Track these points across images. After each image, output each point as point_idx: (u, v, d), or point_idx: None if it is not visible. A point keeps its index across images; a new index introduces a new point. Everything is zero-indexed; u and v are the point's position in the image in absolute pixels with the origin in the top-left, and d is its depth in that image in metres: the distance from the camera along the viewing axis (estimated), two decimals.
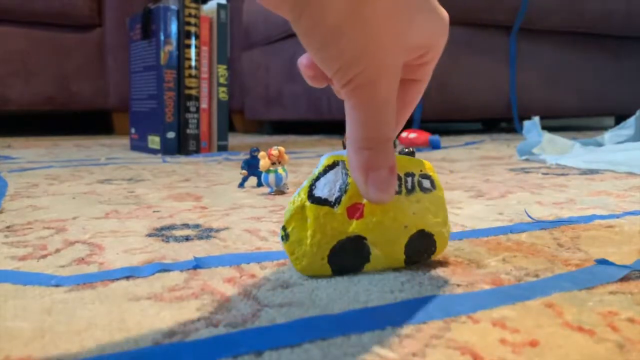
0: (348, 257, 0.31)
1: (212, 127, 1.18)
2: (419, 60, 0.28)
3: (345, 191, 0.30)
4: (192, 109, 1.15)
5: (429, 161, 0.32)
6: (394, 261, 0.32)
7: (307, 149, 1.30)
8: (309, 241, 0.30)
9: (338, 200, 0.30)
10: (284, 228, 0.30)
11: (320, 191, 0.30)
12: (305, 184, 0.31)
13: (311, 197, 0.30)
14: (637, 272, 0.31)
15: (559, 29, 1.83)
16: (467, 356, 0.21)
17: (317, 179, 0.30)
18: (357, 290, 0.29)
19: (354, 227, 0.31)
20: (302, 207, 0.30)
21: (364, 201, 0.31)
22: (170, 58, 1.12)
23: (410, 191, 0.32)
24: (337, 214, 0.30)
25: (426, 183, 0.32)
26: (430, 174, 0.33)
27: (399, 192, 0.31)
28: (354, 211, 0.31)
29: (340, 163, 0.30)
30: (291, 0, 0.23)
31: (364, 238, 0.31)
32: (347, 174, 0.30)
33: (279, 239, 0.31)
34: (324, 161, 0.31)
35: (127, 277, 0.31)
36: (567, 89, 1.91)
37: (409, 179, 0.32)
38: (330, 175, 0.30)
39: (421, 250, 0.32)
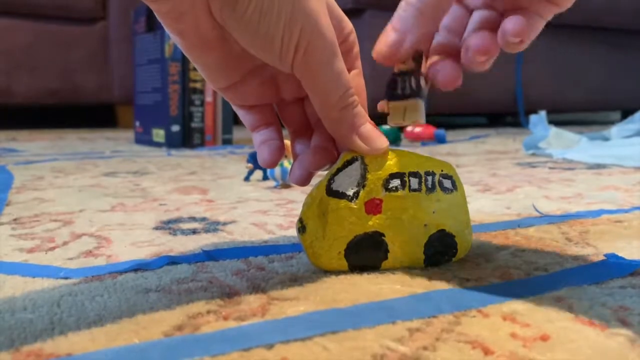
0: (365, 253, 0.31)
1: (217, 120, 1.18)
2: (343, 46, 0.30)
3: (364, 186, 0.30)
4: (197, 102, 1.15)
5: (434, 155, 0.31)
6: (413, 260, 0.31)
7: None
8: (325, 234, 0.30)
9: (356, 195, 0.30)
10: (301, 220, 0.30)
11: (339, 185, 0.30)
12: (324, 177, 0.30)
13: (329, 190, 0.30)
14: None
15: (565, 23, 1.82)
16: (477, 350, 0.21)
17: (336, 173, 0.30)
18: (366, 284, 0.29)
19: (371, 222, 0.30)
20: (320, 200, 0.30)
21: (383, 197, 0.30)
22: (175, 51, 1.11)
23: (430, 190, 0.31)
24: (355, 208, 0.30)
25: (447, 183, 0.32)
26: (452, 174, 0.32)
27: (418, 190, 0.31)
28: (372, 207, 0.30)
29: (359, 159, 0.30)
30: None
31: (382, 234, 0.31)
32: (365, 170, 0.30)
33: (295, 230, 0.31)
34: (343, 156, 0.30)
35: (136, 270, 0.31)
36: (573, 83, 1.90)
37: (430, 178, 0.31)
38: (349, 170, 0.30)
39: (441, 251, 0.32)
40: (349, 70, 0.31)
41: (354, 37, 0.31)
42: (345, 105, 0.28)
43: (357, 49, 0.32)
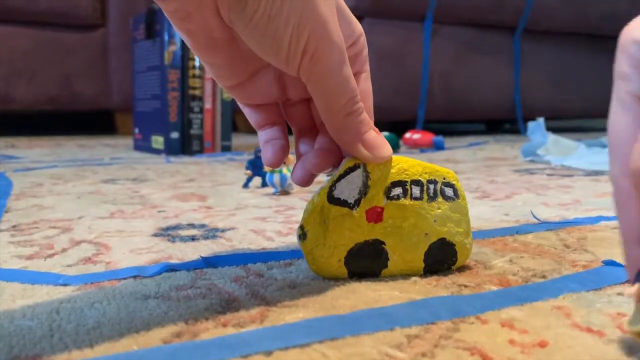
0: (365, 261, 0.31)
1: (216, 127, 1.18)
2: (352, 49, 0.30)
3: (365, 194, 0.30)
4: (196, 109, 1.15)
5: (433, 162, 0.31)
6: (413, 268, 0.31)
7: None
8: (326, 242, 0.30)
9: (357, 203, 0.30)
10: (301, 227, 0.30)
11: (340, 192, 0.30)
12: (326, 184, 0.30)
13: (330, 198, 0.30)
14: None
15: (563, 30, 1.83)
16: (476, 356, 0.21)
17: (338, 180, 0.30)
18: (365, 290, 0.29)
19: (372, 230, 0.30)
20: (321, 208, 0.30)
21: (384, 205, 0.30)
22: (174, 58, 1.12)
23: (432, 198, 0.31)
24: (356, 216, 0.30)
25: (449, 191, 0.32)
26: (454, 182, 0.32)
27: (420, 199, 0.31)
28: (373, 215, 0.30)
29: (362, 166, 0.30)
30: None
31: (382, 242, 0.31)
32: (367, 177, 0.30)
33: (295, 237, 0.31)
34: (346, 162, 0.30)
35: (135, 277, 0.31)
36: (571, 90, 1.91)
37: (432, 186, 0.31)
38: (351, 177, 0.30)
39: (441, 260, 0.32)
40: (358, 74, 0.31)
41: (363, 39, 0.31)
42: (350, 112, 0.28)
43: (366, 51, 0.31)
